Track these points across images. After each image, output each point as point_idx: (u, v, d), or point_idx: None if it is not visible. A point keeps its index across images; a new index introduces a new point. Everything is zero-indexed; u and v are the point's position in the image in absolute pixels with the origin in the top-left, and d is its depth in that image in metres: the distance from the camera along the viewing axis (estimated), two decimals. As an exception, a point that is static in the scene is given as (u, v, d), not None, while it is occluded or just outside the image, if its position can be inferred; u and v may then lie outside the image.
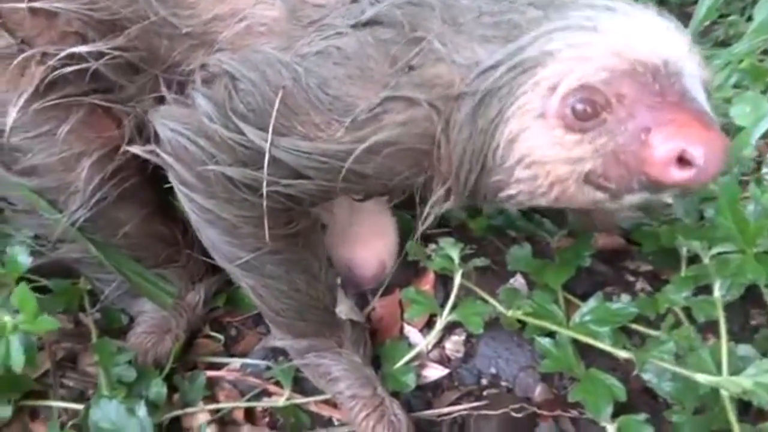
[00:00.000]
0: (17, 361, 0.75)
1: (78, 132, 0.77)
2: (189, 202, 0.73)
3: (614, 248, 1.16)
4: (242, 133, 0.67)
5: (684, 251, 0.92)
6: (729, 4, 2.03)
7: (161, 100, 0.75)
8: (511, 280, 1.03)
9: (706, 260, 0.85)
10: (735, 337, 0.84)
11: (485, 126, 0.63)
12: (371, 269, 0.95)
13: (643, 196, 0.59)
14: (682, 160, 0.53)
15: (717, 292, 0.80)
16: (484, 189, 0.67)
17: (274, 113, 0.65)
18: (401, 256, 1.00)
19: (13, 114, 0.73)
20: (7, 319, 0.77)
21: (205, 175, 0.69)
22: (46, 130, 0.76)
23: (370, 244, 0.96)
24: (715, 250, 0.85)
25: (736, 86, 1.45)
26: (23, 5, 0.71)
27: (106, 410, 0.74)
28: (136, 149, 0.76)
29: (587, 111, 0.57)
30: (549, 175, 0.61)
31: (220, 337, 1.00)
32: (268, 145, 0.66)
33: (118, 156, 0.79)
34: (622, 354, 0.77)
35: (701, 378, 0.69)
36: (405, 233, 0.99)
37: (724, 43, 1.69)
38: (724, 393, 0.71)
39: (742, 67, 1.52)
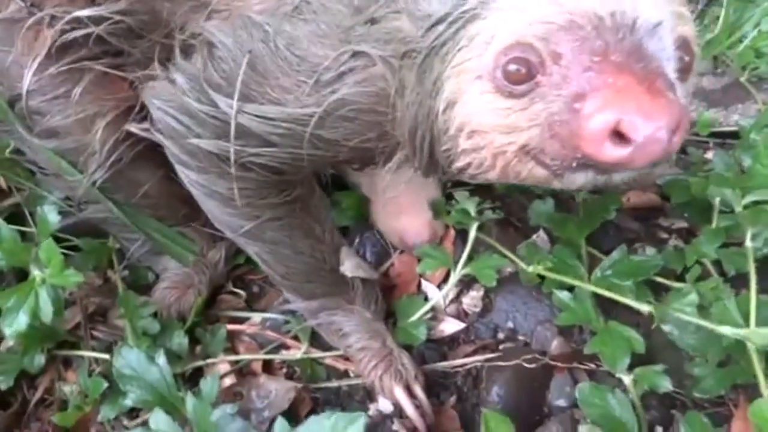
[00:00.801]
0: (46, 312, 0.79)
1: (92, 94, 0.78)
2: (185, 177, 0.74)
3: (648, 205, 1.12)
4: (215, 105, 0.65)
5: (717, 202, 0.87)
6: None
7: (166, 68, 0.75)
8: (534, 236, 1.00)
9: (738, 209, 0.80)
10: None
11: (429, 88, 0.57)
12: (423, 235, 0.94)
13: (588, 176, 0.51)
14: (621, 135, 0.44)
15: (749, 242, 0.75)
16: (440, 159, 0.61)
17: (240, 78, 0.63)
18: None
19: (29, 77, 0.75)
20: (37, 273, 0.81)
21: (194, 151, 0.70)
22: (62, 93, 0.78)
23: (415, 211, 0.95)
24: (748, 199, 0.80)
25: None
26: None
27: (129, 358, 0.77)
28: (133, 127, 0.77)
29: (520, 72, 0.49)
30: (490, 147, 0.54)
31: (242, 293, 1.02)
32: (233, 112, 0.63)
33: (131, 117, 0.80)
34: (643, 307, 0.73)
35: (726, 330, 0.65)
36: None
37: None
38: (750, 345, 0.67)
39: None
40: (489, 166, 0.56)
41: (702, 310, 0.71)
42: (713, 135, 1.35)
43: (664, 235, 1.06)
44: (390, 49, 0.59)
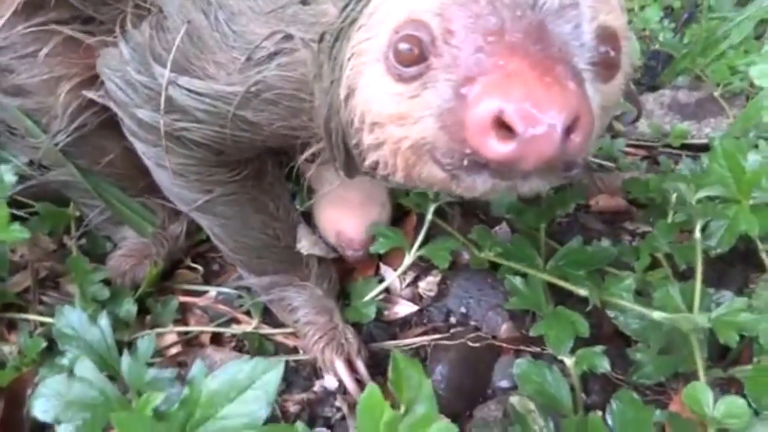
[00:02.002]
0: (-11, 267, 0.78)
1: (60, 56, 0.78)
2: (138, 148, 0.73)
3: (615, 209, 1.13)
4: (153, 76, 0.63)
5: (673, 198, 0.88)
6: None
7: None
8: (496, 228, 1.00)
9: (691, 203, 0.80)
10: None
11: (337, 75, 0.51)
12: (359, 237, 0.89)
13: (486, 180, 0.43)
14: (505, 126, 0.38)
15: (697, 234, 0.75)
16: (355, 157, 0.55)
17: (175, 46, 0.60)
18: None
19: None
20: (-20, 228, 0.79)
21: (142, 123, 0.68)
22: (31, 51, 0.77)
23: (361, 211, 0.92)
24: (702, 194, 0.80)
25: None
26: None
27: (70, 318, 0.76)
28: (90, 94, 0.76)
29: (413, 53, 0.43)
30: (389, 142, 0.47)
31: (200, 268, 1.01)
32: (164, 83, 0.61)
33: (96, 85, 0.79)
34: (582, 292, 0.73)
35: (658, 315, 0.65)
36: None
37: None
38: (691, 334, 0.67)
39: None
40: (392, 166, 0.49)
41: (646, 298, 0.71)
42: (685, 147, 1.37)
43: (628, 238, 1.07)
44: (312, 33, 0.54)
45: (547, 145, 0.37)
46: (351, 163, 0.57)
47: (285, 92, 0.58)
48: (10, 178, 0.88)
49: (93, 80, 0.79)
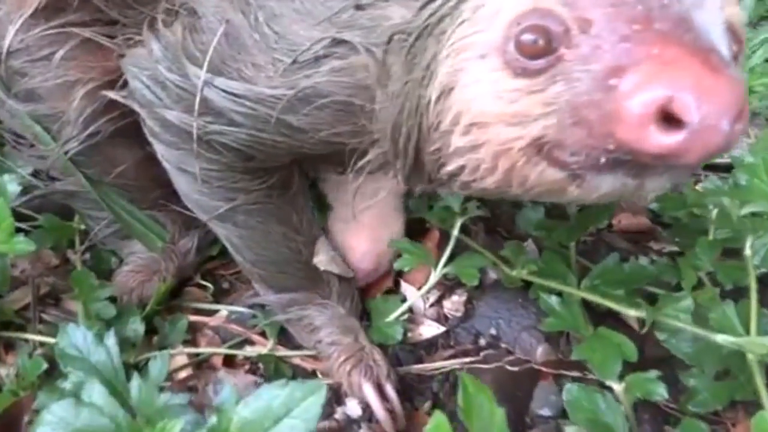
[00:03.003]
0: (-12, 281, 0.73)
1: (76, 60, 0.75)
2: (159, 151, 0.71)
3: (639, 229, 1.10)
4: (186, 76, 0.61)
5: (713, 215, 0.83)
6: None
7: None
8: (523, 244, 0.96)
9: (735, 219, 0.76)
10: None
11: (420, 75, 0.48)
12: (367, 265, 0.86)
13: (617, 179, 0.42)
14: (669, 117, 0.36)
15: (748, 251, 0.71)
16: (427, 163, 0.53)
17: (212, 47, 0.59)
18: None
19: (11, 34, 0.72)
20: (-18, 239, 0.74)
21: (166, 124, 0.66)
22: (46, 55, 0.74)
23: (371, 237, 0.88)
24: (747, 209, 0.76)
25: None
26: None
27: (74, 337, 0.70)
28: (111, 94, 0.73)
29: (538, 44, 0.40)
30: (491, 143, 0.44)
31: (210, 286, 0.96)
32: (200, 83, 0.59)
33: (117, 86, 0.76)
34: (632, 312, 0.68)
35: (721, 338, 0.60)
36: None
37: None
38: (750, 357, 0.62)
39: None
40: (488, 170, 0.46)
41: (698, 319, 0.66)
42: (706, 167, 1.34)
43: (654, 257, 1.03)
44: (374, 37, 0.52)
45: (717, 135, 0.35)
46: (418, 171, 0.54)
47: (337, 98, 0.56)
48: (14, 188, 0.85)
49: (109, 85, 0.77)
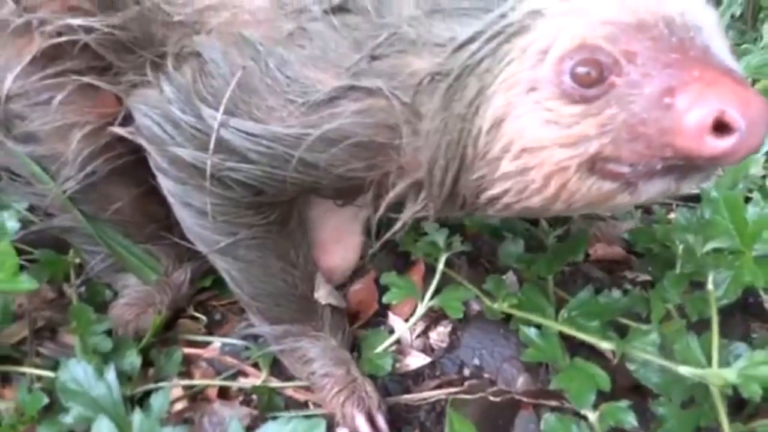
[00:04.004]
0: (-9, 319, 0.75)
1: (74, 104, 0.78)
2: (164, 185, 0.74)
3: (614, 258, 1.15)
4: (199, 116, 0.65)
5: (680, 249, 0.89)
6: (744, 34, 2.04)
7: (147, 84, 0.74)
8: (503, 277, 1.01)
9: (700, 254, 0.82)
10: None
11: (463, 110, 0.54)
12: (335, 265, 0.91)
13: (666, 182, 0.49)
14: (719, 126, 0.44)
15: (710, 285, 0.77)
16: (464, 190, 0.58)
17: (228, 92, 0.62)
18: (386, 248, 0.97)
19: (9, 80, 0.75)
20: (-13, 278, 0.77)
21: (174, 160, 0.69)
22: (45, 99, 0.77)
23: (329, 251, 0.91)
24: (710, 246, 0.82)
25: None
26: None
27: (75, 372, 0.73)
28: (118, 130, 0.76)
29: (590, 75, 0.47)
30: (544, 165, 0.51)
31: (203, 318, 0.99)
32: (216, 123, 0.63)
33: (109, 132, 0.79)
34: (605, 345, 0.73)
35: (684, 370, 0.65)
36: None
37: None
38: (713, 388, 0.67)
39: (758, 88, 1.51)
40: (537, 189, 0.52)
41: (665, 350, 0.72)
42: (678, 198, 1.41)
43: (629, 286, 1.08)
44: (398, 82, 0.57)
45: (758, 136, 0.44)
46: (452, 199, 0.59)
47: (359, 138, 0.60)
48: (14, 225, 0.87)
49: (105, 128, 0.80)
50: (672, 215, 1.27)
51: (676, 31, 0.47)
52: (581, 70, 0.48)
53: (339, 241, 0.93)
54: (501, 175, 0.54)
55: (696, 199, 1.32)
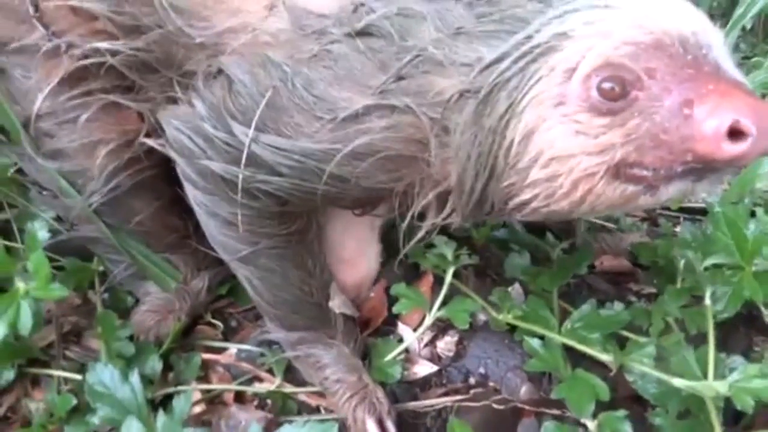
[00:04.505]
0: (25, 325, 0.79)
1: (99, 121, 0.83)
2: (191, 195, 0.78)
3: (619, 270, 1.17)
4: (230, 132, 0.69)
5: (681, 264, 0.92)
6: (755, 47, 2.06)
7: (173, 101, 0.79)
8: (509, 288, 1.04)
9: (699, 270, 0.85)
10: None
11: (493, 124, 0.58)
12: (350, 296, 0.93)
13: (684, 183, 0.54)
14: (733, 132, 0.49)
15: (708, 300, 0.80)
16: (493, 197, 0.63)
17: (259, 111, 0.66)
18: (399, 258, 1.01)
19: (39, 100, 0.80)
20: (21, 285, 0.82)
21: (204, 172, 0.73)
22: (72, 117, 0.82)
23: (357, 266, 0.96)
24: (709, 261, 0.85)
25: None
26: (62, 2, 0.77)
27: (102, 375, 0.77)
28: (150, 141, 0.81)
29: (615, 90, 0.52)
30: (572, 172, 0.56)
31: (220, 325, 1.03)
32: (248, 139, 0.67)
33: (133, 148, 0.85)
34: (604, 357, 0.76)
35: (679, 382, 0.68)
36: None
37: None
38: (708, 399, 0.70)
39: None
40: (563, 195, 0.57)
41: (663, 362, 0.75)
42: (683, 210, 1.43)
43: (633, 299, 1.10)
44: (427, 100, 0.62)
45: (767, 141, 0.48)
46: (480, 205, 0.64)
47: (389, 153, 0.65)
48: (44, 234, 0.91)
49: (129, 144, 0.85)
50: (678, 228, 1.30)
51: (690, 49, 0.52)
52: (607, 85, 0.53)
53: (363, 254, 0.98)
54: (530, 183, 0.59)
55: (702, 212, 1.35)
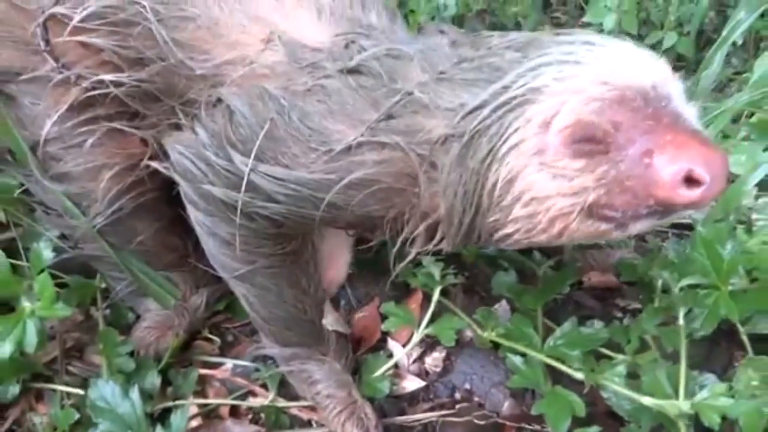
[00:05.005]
0: (30, 343, 0.84)
1: (104, 146, 0.87)
2: (193, 216, 0.82)
3: (606, 286, 1.20)
4: (230, 160, 0.73)
5: (659, 284, 0.96)
6: (746, 62, 2.10)
7: (176, 127, 0.84)
8: (496, 306, 1.08)
9: (675, 290, 0.89)
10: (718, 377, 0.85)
11: (476, 167, 0.63)
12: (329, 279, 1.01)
13: (650, 221, 0.59)
14: (689, 179, 0.54)
15: (681, 321, 0.83)
16: (479, 230, 0.68)
17: (258, 142, 0.71)
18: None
19: (48, 126, 0.84)
20: (27, 305, 0.86)
21: (205, 195, 0.78)
22: (78, 142, 0.86)
23: (327, 267, 1.01)
24: (684, 282, 0.89)
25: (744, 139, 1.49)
26: (71, 38, 0.81)
27: (103, 391, 0.81)
28: (155, 164, 0.86)
29: (584, 142, 0.58)
30: (550, 211, 0.61)
31: (217, 339, 1.07)
32: (247, 169, 0.72)
33: (136, 172, 0.89)
34: (579, 375, 0.80)
35: (647, 400, 0.72)
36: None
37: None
38: (678, 417, 0.73)
39: (751, 121, 1.56)
40: (541, 230, 0.63)
41: (637, 379, 0.78)
42: (672, 226, 1.46)
43: (619, 314, 1.13)
44: (413, 140, 0.67)
45: (720, 187, 0.54)
46: (468, 236, 0.69)
47: (381, 185, 0.70)
48: (48, 253, 0.95)
49: (132, 168, 0.89)
50: (665, 244, 1.33)
51: (651, 102, 0.57)
52: (578, 137, 0.58)
53: (332, 258, 1.03)
54: (513, 219, 0.64)
55: (690, 227, 1.38)
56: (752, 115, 1.62)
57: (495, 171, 0.62)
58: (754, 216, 1.24)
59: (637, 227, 0.60)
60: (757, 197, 1.32)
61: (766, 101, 1.63)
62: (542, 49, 0.63)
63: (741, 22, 1.72)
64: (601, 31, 2.18)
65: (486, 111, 0.62)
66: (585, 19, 2.17)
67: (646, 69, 0.59)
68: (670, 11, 2.12)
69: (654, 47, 2.14)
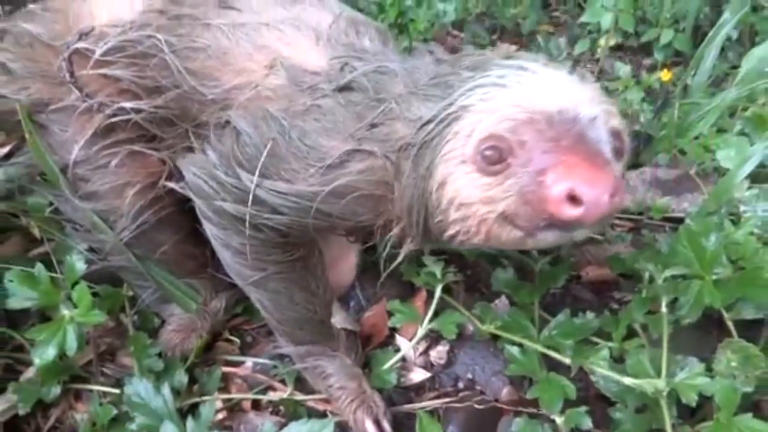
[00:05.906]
0: (71, 346, 0.92)
1: (126, 166, 0.96)
2: (208, 230, 0.90)
3: (603, 279, 1.26)
4: (238, 178, 0.81)
5: (646, 275, 1.02)
6: (741, 56, 2.14)
7: (189, 149, 0.92)
8: (496, 301, 1.15)
9: (659, 281, 0.95)
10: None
11: (423, 173, 0.71)
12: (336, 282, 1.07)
13: (554, 233, 0.64)
14: (573, 198, 0.59)
15: (664, 308, 0.90)
16: (432, 229, 0.74)
17: (262, 160, 0.78)
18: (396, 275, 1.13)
19: (76, 151, 0.93)
20: (66, 312, 0.95)
21: (218, 211, 0.85)
22: (103, 164, 0.95)
23: (337, 264, 1.09)
24: (667, 273, 0.95)
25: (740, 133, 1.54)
26: (93, 71, 0.90)
27: (138, 387, 0.90)
28: (171, 184, 0.94)
29: (495, 156, 0.64)
30: (475, 216, 0.67)
31: (237, 340, 1.15)
32: (252, 185, 0.79)
33: (157, 189, 0.97)
34: (567, 360, 0.87)
35: (628, 380, 0.79)
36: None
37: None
38: (658, 394, 0.80)
39: (746, 116, 1.62)
40: (475, 233, 0.69)
41: (623, 364, 0.85)
42: (666, 219, 1.52)
43: (615, 306, 1.20)
44: (388, 146, 0.74)
45: (601, 207, 0.58)
46: (427, 236, 0.76)
47: (364, 192, 0.77)
48: (81, 265, 1.04)
49: (153, 185, 0.98)
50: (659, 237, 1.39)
51: (554, 125, 0.63)
52: (489, 152, 0.65)
53: (339, 261, 1.11)
54: (452, 221, 0.70)
55: (684, 220, 1.44)
56: (746, 109, 1.67)
57: (433, 177, 0.69)
58: (742, 208, 1.30)
59: (546, 238, 0.65)
60: (748, 189, 1.38)
61: (753, 97, 1.68)
62: (486, 71, 0.69)
63: (727, 20, 1.77)
64: (599, 29, 2.25)
65: (432, 124, 0.69)
66: (583, 18, 2.23)
67: (560, 94, 0.65)
68: (664, 8, 2.17)
69: (651, 44, 2.20)
